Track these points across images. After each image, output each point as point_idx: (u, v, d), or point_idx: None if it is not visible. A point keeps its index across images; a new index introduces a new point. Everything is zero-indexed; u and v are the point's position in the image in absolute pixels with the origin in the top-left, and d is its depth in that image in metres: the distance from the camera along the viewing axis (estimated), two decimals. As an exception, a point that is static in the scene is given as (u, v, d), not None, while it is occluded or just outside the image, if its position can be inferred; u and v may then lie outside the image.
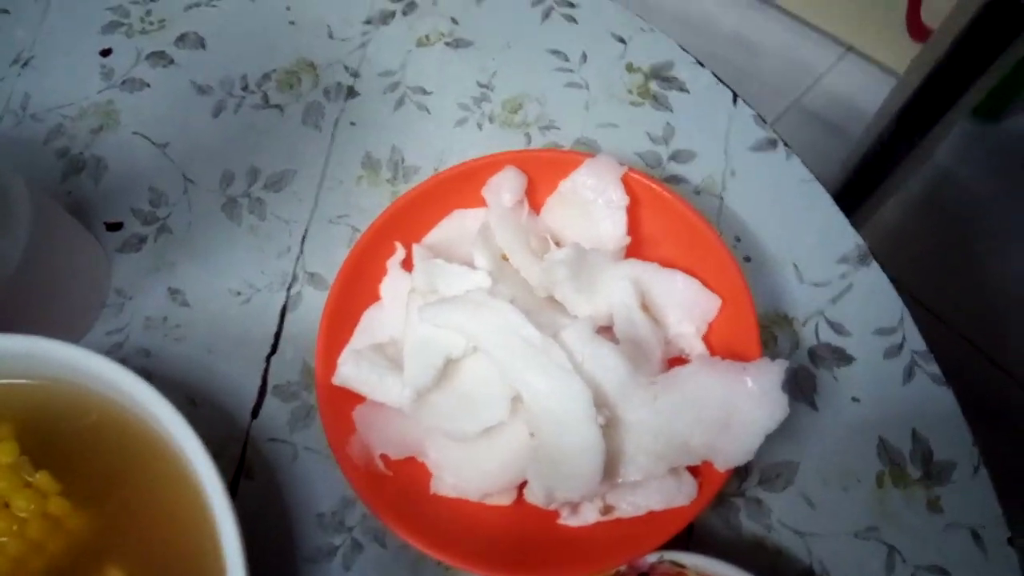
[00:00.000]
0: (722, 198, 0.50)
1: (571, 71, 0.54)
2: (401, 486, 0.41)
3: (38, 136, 0.53)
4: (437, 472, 0.42)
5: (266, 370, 0.46)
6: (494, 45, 0.55)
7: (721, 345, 0.43)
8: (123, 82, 0.55)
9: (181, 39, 0.57)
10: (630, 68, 0.54)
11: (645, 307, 0.43)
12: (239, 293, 0.49)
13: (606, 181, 0.45)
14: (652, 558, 0.38)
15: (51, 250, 0.43)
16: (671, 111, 0.52)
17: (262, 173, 0.52)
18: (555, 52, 0.55)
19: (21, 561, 0.35)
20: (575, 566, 0.38)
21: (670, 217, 0.44)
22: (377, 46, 0.56)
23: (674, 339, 0.43)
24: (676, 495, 0.38)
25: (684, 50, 0.54)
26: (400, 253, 0.45)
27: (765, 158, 0.51)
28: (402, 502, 0.40)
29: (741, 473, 0.43)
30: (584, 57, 0.55)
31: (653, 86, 0.53)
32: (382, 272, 0.46)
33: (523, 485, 0.41)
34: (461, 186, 0.47)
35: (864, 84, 1.39)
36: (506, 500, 0.41)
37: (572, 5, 0.56)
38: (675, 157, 0.51)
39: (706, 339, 0.43)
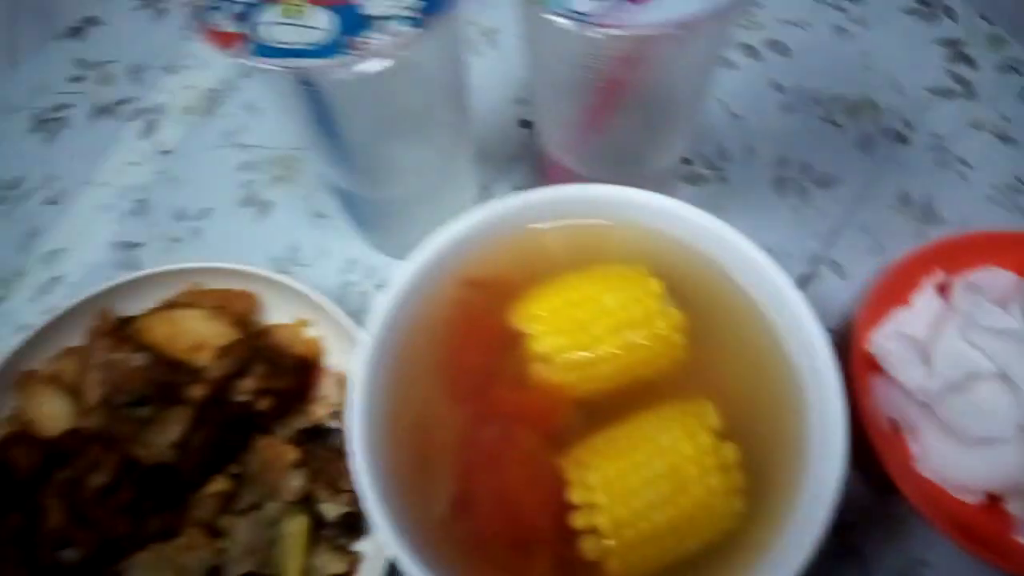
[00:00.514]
0: None
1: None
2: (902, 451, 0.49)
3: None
4: (922, 453, 0.50)
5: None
6: (1036, 149, 0.63)
7: None
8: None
9: (772, 43, 0.69)
10: None
11: None
12: (770, 249, 0.59)
13: None
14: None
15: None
16: None
17: (812, 168, 0.63)
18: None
19: (643, 363, 0.45)
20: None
21: None
22: (935, 112, 0.65)
23: None
24: None
25: None
26: (939, 276, 0.54)
27: None
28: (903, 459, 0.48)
29: None
30: None
31: None
32: (912, 284, 0.54)
33: (991, 496, 0.48)
34: (993, 246, 0.55)
35: None
36: (975, 499, 0.48)
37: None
38: None
39: None
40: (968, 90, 0.66)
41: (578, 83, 0.45)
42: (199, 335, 0.54)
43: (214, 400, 0.51)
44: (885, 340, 0.51)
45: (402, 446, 0.43)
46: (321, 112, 0.44)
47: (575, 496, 0.41)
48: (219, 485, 0.50)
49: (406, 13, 0.38)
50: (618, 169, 0.52)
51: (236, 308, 0.56)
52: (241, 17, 0.38)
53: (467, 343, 0.47)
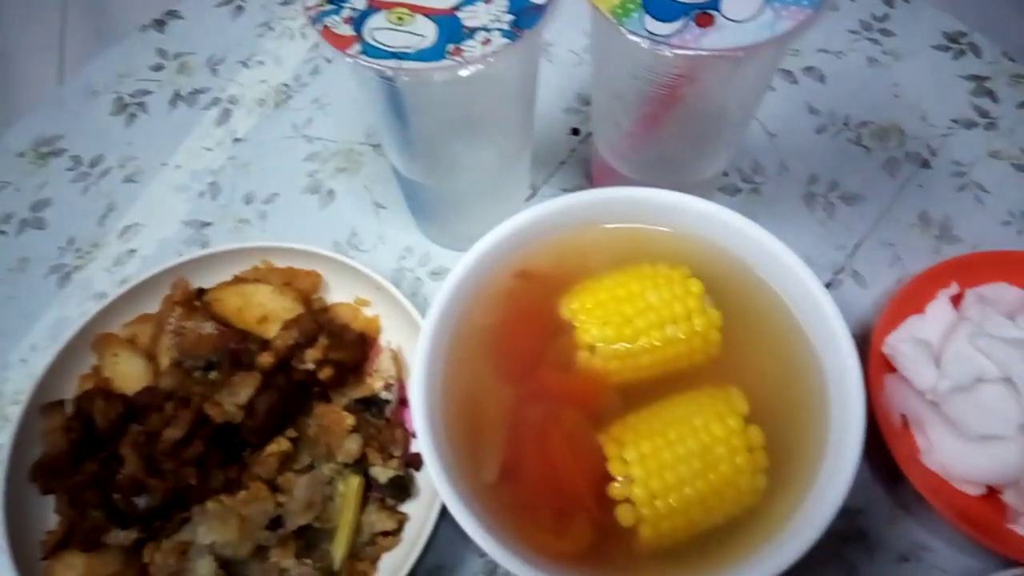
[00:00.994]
0: None
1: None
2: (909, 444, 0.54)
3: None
4: (928, 447, 0.54)
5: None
6: (1052, 181, 0.68)
7: None
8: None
9: (809, 70, 0.74)
10: None
11: None
12: (797, 259, 0.64)
13: None
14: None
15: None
16: None
17: (840, 186, 0.68)
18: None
19: (681, 356, 0.49)
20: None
21: None
22: (957, 141, 0.70)
23: None
24: None
25: None
26: (954, 288, 0.59)
27: None
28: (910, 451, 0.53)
29: None
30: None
31: None
32: (928, 295, 0.59)
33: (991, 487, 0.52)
34: (1005, 265, 0.59)
35: None
36: (975, 491, 0.53)
37: None
38: None
39: None
40: (989, 122, 0.71)
41: (639, 95, 0.49)
42: (267, 308, 0.59)
43: (280, 367, 0.56)
44: (900, 343, 0.56)
45: (457, 417, 0.48)
46: (398, 106, 0.49)
47: (613, 469, 0.45)
48: (280, 446, 0.55)
49: (502, 26, 0.43)
50: (664, 177, 0.57)
51: (302, 285, 0.61)
52: (353, 21, 0.43)
53: (519, 329, 0.52)
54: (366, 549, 0.54)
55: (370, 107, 0.53)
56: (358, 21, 0.43)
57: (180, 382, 0.56)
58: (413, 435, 0.57)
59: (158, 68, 0.78)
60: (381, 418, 0.57)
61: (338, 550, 0.53)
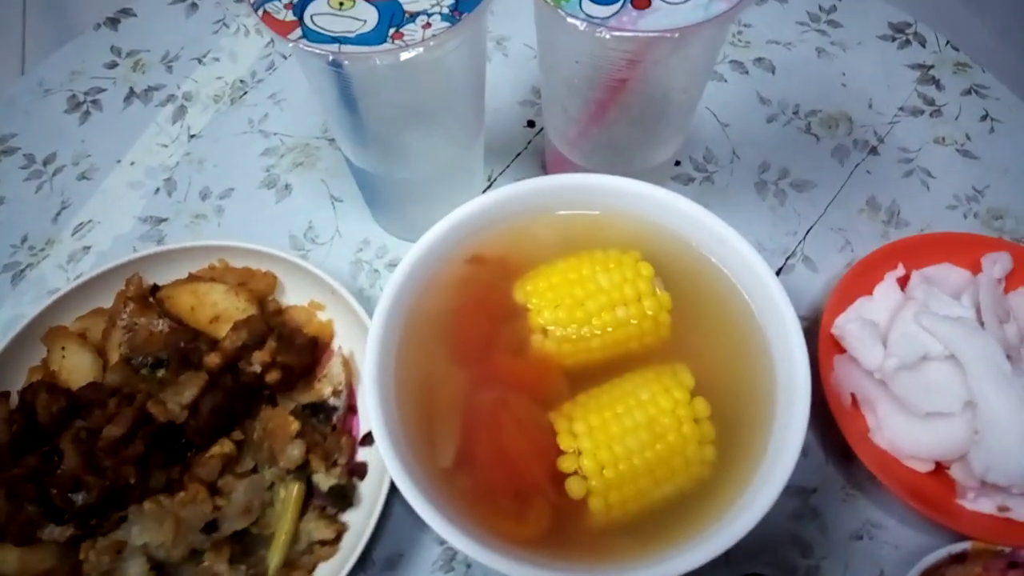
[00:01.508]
0: None
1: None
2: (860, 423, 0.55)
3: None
4: (877, 425, 0.55)
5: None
6: (996, 166, 0.69)
7: None
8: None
9: (759, 61, 0.75)
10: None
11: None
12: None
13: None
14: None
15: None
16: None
17: (790, 173, 0.69)
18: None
19: (631, 338, 0.50)
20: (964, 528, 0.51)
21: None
22: (904, 128, 0.72)
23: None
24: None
25: None
26: (900, 271, 0.60)
27: None
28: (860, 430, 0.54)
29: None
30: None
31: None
32: (876, 277, 0.60)
33: (938, 463, 0.53)
34: (950, 247, 0.61)
35: None
36: (924, 468, 0.54)
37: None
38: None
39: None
40: (934, 110, 0.73)
41: (584, 80, 0.50)
42: (219, 308, 0.59)
43: (227, 368, 0.55)
44: (848, 324, 0.57)
45: (411, 403, 0.48)
46: (347, 94, 0.49)
47: (562, 443, 0.46)
48: (223, 447, 0.54)
49: (442, 10, 0.43)
50: (615, 164, 0.58)
51: (257, 286, 0.61)
52: (294, 6, 0.44)
53: (471, 314, 0.52)
54: (302, 558, 0.53)
55: (319, 96, 0.53)
56: (299, 6, 0.44)
57: (126, 379, 0.56)
58: (359, 443, 0.57)
59: (112, 66, 0.78)
60: (328, 424, 0.57)
61: (274, 557, 0.52)
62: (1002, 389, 0.52)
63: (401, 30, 0.43)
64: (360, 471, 0.56)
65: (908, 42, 0.76)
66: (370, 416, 0.45)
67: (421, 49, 0.42)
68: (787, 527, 0.55)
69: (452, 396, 0.49)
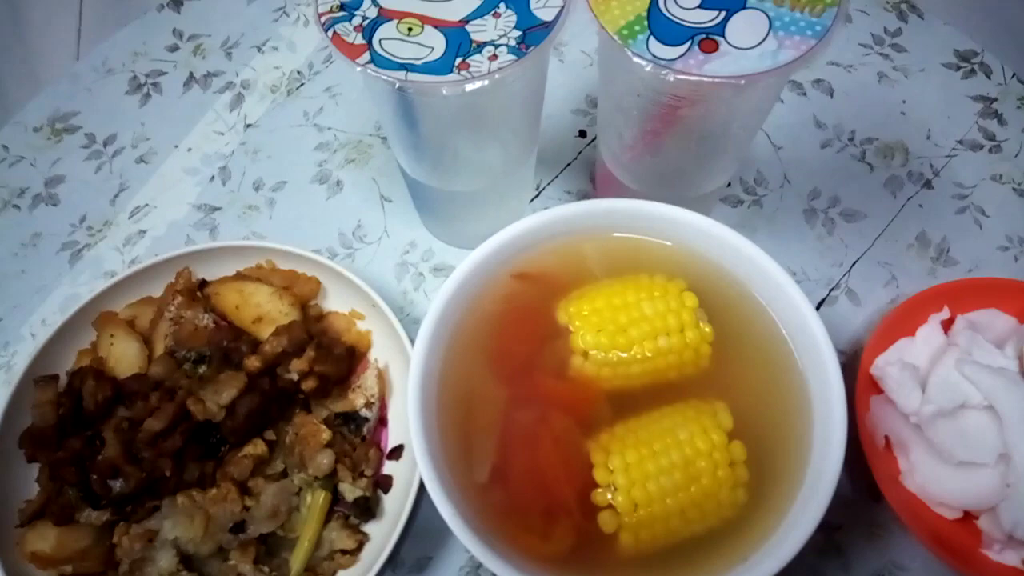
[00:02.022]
0: None
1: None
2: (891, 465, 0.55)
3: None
4: (908, 469, 0.55)
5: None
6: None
7: None
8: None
9: (818, 82, 0.74)
10: None
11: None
12: (793, 273, 0.65)
13: None
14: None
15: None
16: None
17: (840, 202, 0.68)
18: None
19: (671, 368, 0.50)
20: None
21: None
22: (961, 162, 0.70)
23: None
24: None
25: None
26: (944, 313, 0.59)
27: None
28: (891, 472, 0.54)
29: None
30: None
31: None
32: (920, 319, 0.60)
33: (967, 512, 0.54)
34: (998, 292, 0.60)
35: None
36: (952, 515, 0.54)
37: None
38: None
39: None
40: (994, 145, 0.71)
41: (639, 110, 0.50)
42: (263, 310, 0.61)
43: (266, 372, 0.57)
44: (888, 366, 0.57)
45: (449, 417, 0.49)
46: (407, 111, 0.50)
47: (598, 476, 0.47)
48: (256, 448, 0.56)
49: (509, 42, 0.44)
50: (665, 188, 0.58)
51: (301, 290, 0.62)
52: (364, 29, 0.44)
53: (515, 330, 0.53)
54: (323, 564, 0.55)
55: (378, 108, 0.54)
56: (368, 30, 0.44)
57: (169, 372, 0.57)
58: (387, 456, 0.59)
59: (173, 49, 0.79)
60: (358, 435, 0.58)
61: (296, 562, 0.54)
62: (1039, 445, 0.52)
63: (467, 60, 0.43)
64: (386, 484, 0.58)
65: (973, 72, 0.75)
66: (410, 427, 0.46)
67: (486, 82, 0.43)
68: (810, 562, 0.56)
69: (491, 411, 0.50)
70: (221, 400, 0.55)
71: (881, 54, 0.76)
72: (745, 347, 0.52)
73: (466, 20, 0.45)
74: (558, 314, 0.52)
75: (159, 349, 0.60)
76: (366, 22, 0.44)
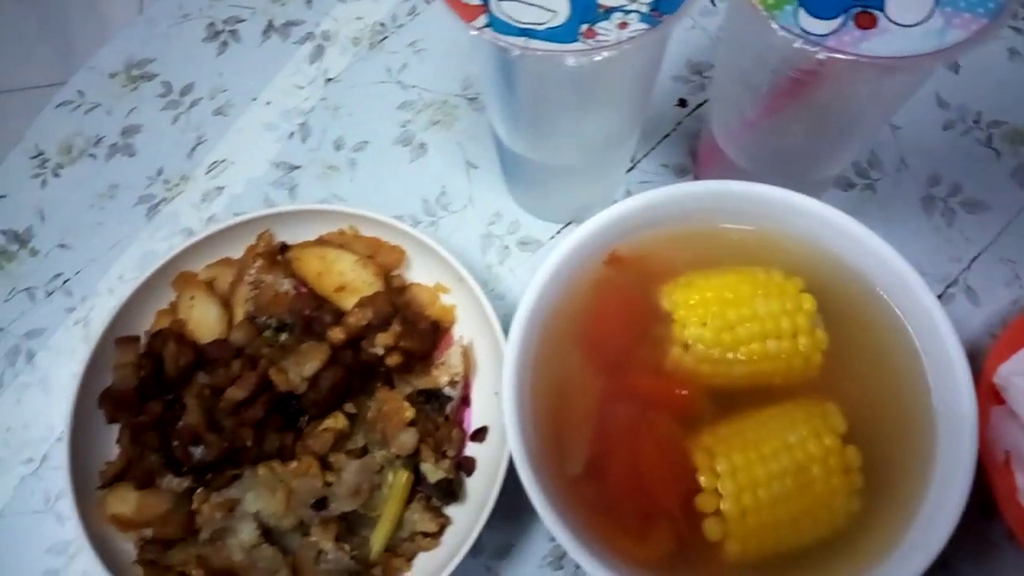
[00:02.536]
0: None
1: None
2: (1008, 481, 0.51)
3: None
4: (1026, 486, 0.52)
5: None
6: None
7: None
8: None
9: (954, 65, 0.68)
10: None
11: None
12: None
13: None
14: None
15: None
16: None
17: (962, 191, 0.63)
18: None
19: (777, 373, 0.47)
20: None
21: None
22: (1099, 152, 0.65)
23: None
24: None
25: None
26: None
27: None
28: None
29: None
30: None
31: None
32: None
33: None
34: None
35: None
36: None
37: None
38: None
39: None
40: None
41: (770, 85, 0.46)
42: (346, 279, 0.58)
43: (350, 345, 0.55)
44: (1014, 376, 0.52)
45: (542, 407, 0.47)
46: (511, 76, 0.46)
47: (703, 481, 0.44)
48: (337, 422, 0.54)
49: (640, 8, 0.39)
50: (781, 170, 0.54)
51: (385, 260, 0.60)
52: (483, -10, 0.40)
53: (611, 318, 0.50)
54: (404, 545, 0.53)
55: (480, 71, 0.50)
56: (487, -10, 0.40)
57: (250, 339, 0.56)
58: (470, 437, 0.57)
59: (253, -6, 0.75)
60: (441, 414, 0.56)
61: (377, 541, 0.52)
62: None
63: (594, 27, 0.39)
64: (468, 466, 0.55)
65: (1119, 49, 0.68)
66: (505, 417, 0.44)
67: (616, 52, 0.39)
68: None
69: (586, 403, 0.48)
70: (304, 372, 0.53)
71: (1014, 27, 0.69)
72: (863, 351, 0.48)
73: (592, -18, 0.41)
74: (661, 300, 0.49)
75: (239, 314, 0.58)
76: (484, -19, 0.40)
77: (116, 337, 0.56)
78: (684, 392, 0.48)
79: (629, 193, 0.56)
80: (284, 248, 0.60)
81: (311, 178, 0.67)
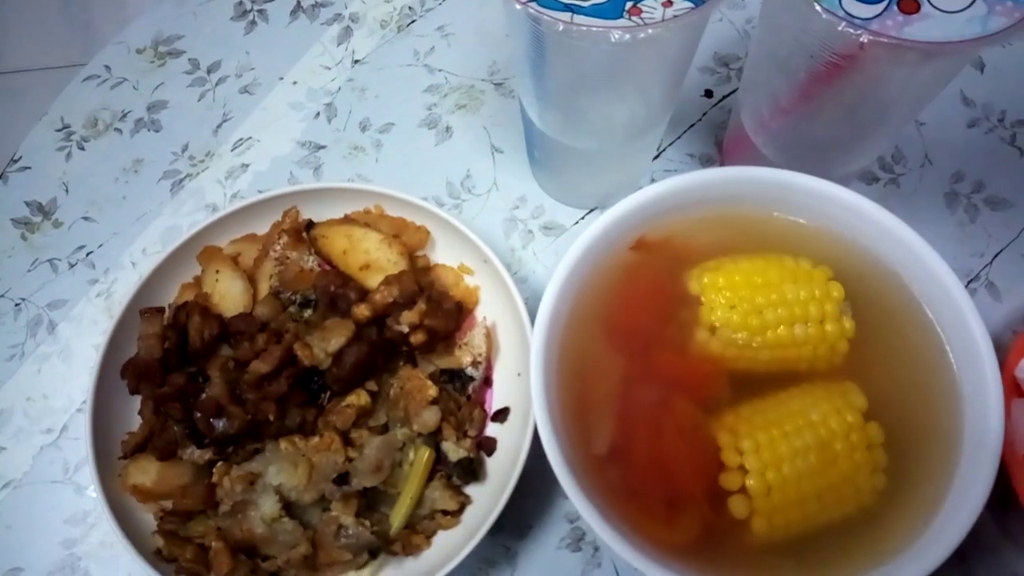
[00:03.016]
0: None
1: None
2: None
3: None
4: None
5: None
6: None
7: None
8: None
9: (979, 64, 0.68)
10: None
11: None
12: (930, 261, 0.60)
13: None
14: None
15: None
16: None
17: (985, 188, 0.64)
18: None
19: (802, 360, 0.47)
20: None
21: None
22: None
23: None
24: None
25: None
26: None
27: None
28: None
29: None
30: None
31: None
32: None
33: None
34: None
35: None
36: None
37: None
38: None
39: None
40: None
41: (807, 71, 0.46)
42: (371, 257, 0.58)
43: (374, 322, 0.55)
44: (1042, 370, 0.53)
45: (568, 388, 0.46)
46: (543, 51, 0.46)
47: (727, 459, 0.44)
48: (360, 399, 0.54)
49: (689, -12, 0.40)
50: (809, 161, 0.54)
51: (410, 239, 0.60)
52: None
53: (637, 301, 0.50)
54: (424, 523, 0.54)
55: (516, 48, 0.50)
56: (538, -36, 0.40)
57: (275, 314, 0.56)
58: (491, 418, 0.57)
59: (282, -26, 0.76)
60: (463, 394, 0.56)
61: (396, 518, 0.52)
62: None
63: (639, 5, 0.40)
64: (488, 447, 0.56)
65: None
66: (533, 398, 0.44)
67: (661, 30, 0.39)
68: (931, 568, 0.53)
69: (610, 385, 0.48)
70: (329, 347, 0.53)
71: (1040, 28, 0.70)
72: (888, 340, 0.48)
73: (638, -40, 0.41)
74: (689, 283, 0.49)
75: (264, 289, 0.58)
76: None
77: (141, 308, 0.56)
78: (705, 372, 0.48)
79: (654, 181, 0.56)
80: (310, 225, 0.60)
81: (336, 158, 0.67)
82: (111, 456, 0.53)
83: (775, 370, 0.48)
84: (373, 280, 0.57)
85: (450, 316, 0.56)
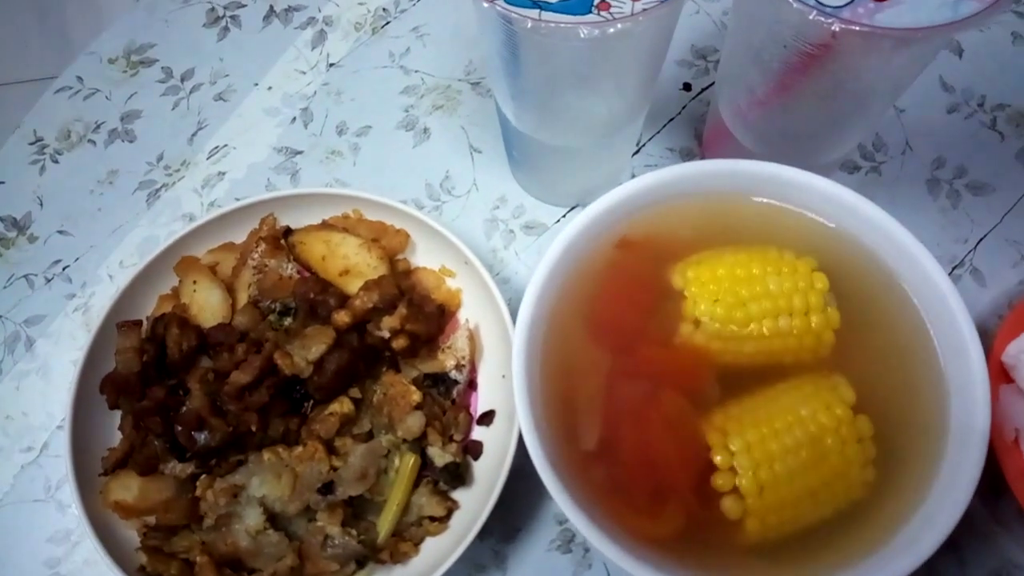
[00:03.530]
0: None
1: None
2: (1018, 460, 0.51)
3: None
4: (1038, 464, 0.51)
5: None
6: None
7: None
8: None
9: (948, 40, 0.68)
10: None
11: None
12: (913, 248, 0.60)
13: None
14: None
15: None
16: None
17: (967, 173, 0.63)
18: None
19: (788, 351, 0.46)
20: None
21: None
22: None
23: None
24: None
25: None
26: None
27: None
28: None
29: None
30: None
31: None
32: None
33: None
34: None
35: None
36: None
37: None
38: None
39: None
40: None
41: (781, 62, 0.46)
42: (351, 262, 0.58)
43: (355, 328, 0.54)
44: (1022, 354, 0.52)
45: (553, 387, 0.46)
46: (516, 48, 0.46)
47: (718, 460, 0.43)
48: (343, 406, 0.53)
49: (656, -18, 0.39)
50: (789, 151, 0.53)
51: (389, 243, 0.59)
52: (495, -37, 0.40)
53: (620, 297, 0.50)
54: (411, 530, 0.53)
55: (487, 47, 0.50)
56: (500, -37, 0.40)
57: (255, 323, 0.55)
58: (476, 421, 0.56)
59: (254, -21, 0.75)
60: (447, 398, 0.56)
61: (384, 526, 0.52)
62: None
63: (608, 0, 0.39)
64: (475, 450, 0.55)
65: (1121, 33, 0.68)
66: (515, 396, 0.44)
67: (630, 24, 0.38)
68: (923, 557, 0.52)
69: (596, 382, 0.47)
70: (309, 355, 0.52)
71: (1017, 12, 0.69)
72: (874, 330, 0.48)
73: (605, -46, 0.40)
74: (673, 278, 0.48)
75: (242, 299, 0.57)
76: (498, -46, 0.40)
77: (119, 321, 0.55)
78: (690, 366, 0.48)
79: (635, 176, 0.56)
80: (288, 232, 0.59)
81: (313, 163, 0.67)
82: (92, 473, 0.53)
83: (761, 363, 0.47)
84: (353, 285, 0.56)
85: (432, 320, 0.56)
